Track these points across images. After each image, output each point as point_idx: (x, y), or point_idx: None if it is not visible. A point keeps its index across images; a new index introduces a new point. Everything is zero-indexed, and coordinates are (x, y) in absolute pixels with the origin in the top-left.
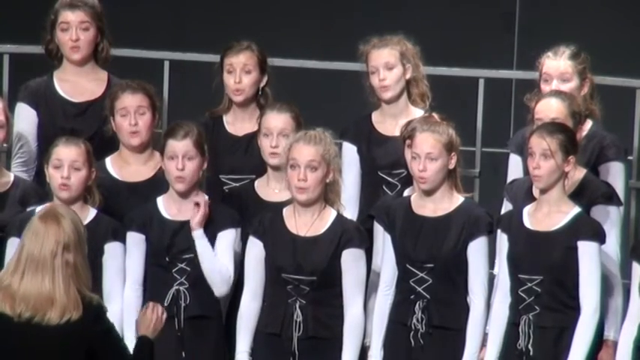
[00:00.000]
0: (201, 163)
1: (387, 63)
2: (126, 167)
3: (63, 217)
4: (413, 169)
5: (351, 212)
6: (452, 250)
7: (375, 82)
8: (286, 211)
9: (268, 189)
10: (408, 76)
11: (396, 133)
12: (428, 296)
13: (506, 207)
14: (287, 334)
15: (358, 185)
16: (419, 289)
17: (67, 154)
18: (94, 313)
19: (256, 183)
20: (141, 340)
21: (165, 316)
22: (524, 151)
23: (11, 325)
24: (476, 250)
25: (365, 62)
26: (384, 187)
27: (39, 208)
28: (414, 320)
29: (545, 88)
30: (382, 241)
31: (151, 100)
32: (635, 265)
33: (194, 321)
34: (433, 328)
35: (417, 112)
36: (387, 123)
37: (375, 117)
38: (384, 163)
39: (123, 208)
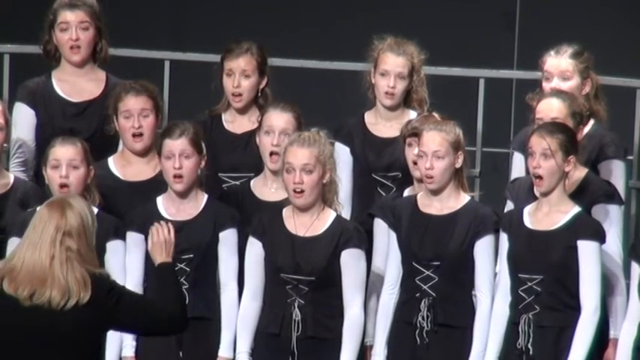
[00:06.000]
0: (199, 162)
1: (401, 73)
2: (128, 167)
3: (69, 206)
4: (419, 168)
5: (344, 213)
6: (458, 248)
7: (382, 85)
8: (286, 212)
9: (265, 188)
10: (411, 86)
11: (390, 134)
12: (433, 294)
13: (510, 207)
14: (286, 334)
15: (351, 186)
16: (424, 287)
17: (65, 153)
18: (107, 287)
19: (252, 182)
20: (160, 268)
21: (173, 231)
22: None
23: (18, 307)
24: (482, 248)
25: (375, 59)
26: (378, 189)
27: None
28: (420, 318)
29: (546, 86)
30: (382, 241)
31: (155, 101)
32: (634, 264)
33: (193, 322)
34: (438, 326)
35: (412, 115)
36: (381, 125)
37: (369, 118)
38: (379, 165)
39: (125, 207)
